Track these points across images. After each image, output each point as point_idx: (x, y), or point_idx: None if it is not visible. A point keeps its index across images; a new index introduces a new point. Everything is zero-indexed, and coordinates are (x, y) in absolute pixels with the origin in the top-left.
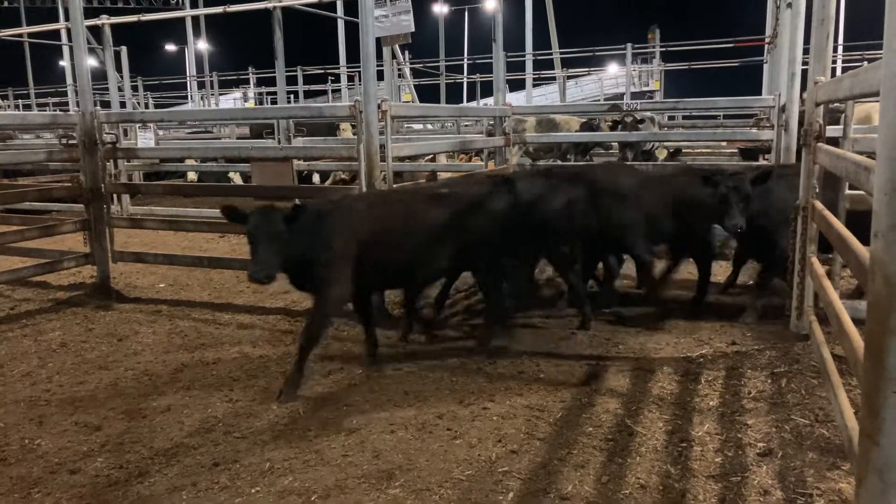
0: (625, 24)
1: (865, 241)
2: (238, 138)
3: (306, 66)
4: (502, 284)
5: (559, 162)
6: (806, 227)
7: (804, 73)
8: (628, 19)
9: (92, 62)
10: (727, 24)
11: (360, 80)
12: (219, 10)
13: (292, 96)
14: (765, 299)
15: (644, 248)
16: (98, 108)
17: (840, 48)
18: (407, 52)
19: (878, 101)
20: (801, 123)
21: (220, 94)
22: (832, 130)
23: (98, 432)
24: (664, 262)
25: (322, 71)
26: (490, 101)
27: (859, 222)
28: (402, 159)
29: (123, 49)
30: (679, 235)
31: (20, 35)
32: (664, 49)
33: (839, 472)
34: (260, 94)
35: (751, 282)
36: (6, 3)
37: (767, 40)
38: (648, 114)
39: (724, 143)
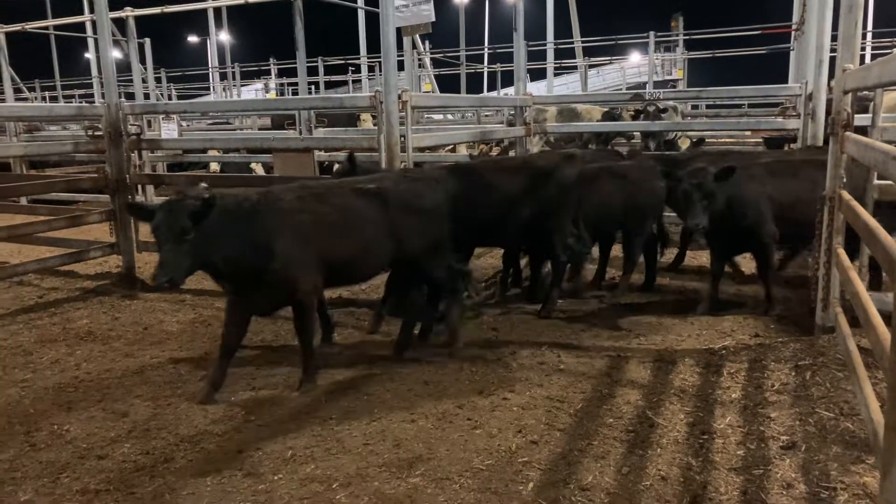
0: (647, 12)
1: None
2: (259, 129)
3: (327, 57)
4: (449, 280)
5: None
6: (833, 218)
7: (832, 60)
8: (651, 6)
9: (116, 54)
10: (752, 11)
11: (380, 71)
12: (240, 0)
13: (313, 87)
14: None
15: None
16: (123, 99)
17: (869, 35)
18: (427, 42)
19: None
20: (828, 112)
21: (242, 86)
22: (860, 119)
23: (125, 419)
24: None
25: (343, 61)
26: (511, 90)
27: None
28: (422, 150)
29: (147, 41)
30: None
31: (46, 27)
32: (687, 37)
33: (864, 466)
34: (281, 84)
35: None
36: None
37: (794, 27)
38: (671, 103)
39: (748, 133)
